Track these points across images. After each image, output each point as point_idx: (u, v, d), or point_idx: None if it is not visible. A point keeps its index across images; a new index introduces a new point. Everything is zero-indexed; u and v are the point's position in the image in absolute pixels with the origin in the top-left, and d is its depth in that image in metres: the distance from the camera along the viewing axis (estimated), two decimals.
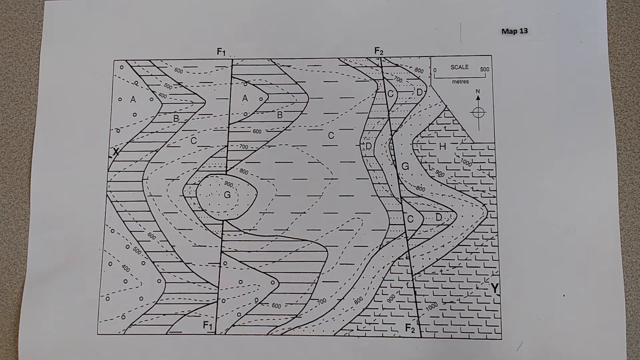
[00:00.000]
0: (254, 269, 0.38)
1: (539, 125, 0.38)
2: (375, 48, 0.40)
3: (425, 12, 0.40)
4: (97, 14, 0.41)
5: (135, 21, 0.41)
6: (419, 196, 0.38)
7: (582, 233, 0.37)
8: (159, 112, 0.40)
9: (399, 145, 0.39)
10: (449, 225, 0.38)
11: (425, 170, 0.39)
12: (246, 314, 0.38)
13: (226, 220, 0.39)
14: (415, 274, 0.38)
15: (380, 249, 0.38)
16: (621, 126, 0.39)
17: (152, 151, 0.40)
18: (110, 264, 0.39)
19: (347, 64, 0.40)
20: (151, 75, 0.40)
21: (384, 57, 0.40)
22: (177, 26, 0.41)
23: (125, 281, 0.39)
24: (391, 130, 0.39)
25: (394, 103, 0.39)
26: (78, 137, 0.40)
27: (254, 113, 0.40)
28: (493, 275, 0.37)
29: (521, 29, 0.39)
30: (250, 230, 0.39)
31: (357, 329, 0.38)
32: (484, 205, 0.38)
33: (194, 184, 0.39)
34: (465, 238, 0.38)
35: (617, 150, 0.38)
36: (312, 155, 0.39)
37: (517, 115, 0.39)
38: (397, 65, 0.40)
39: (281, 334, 0.38)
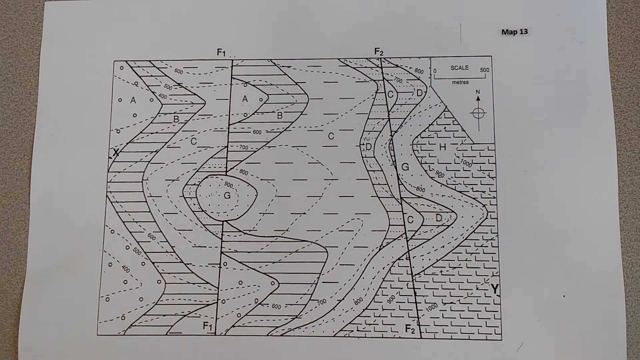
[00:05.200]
0: (254, 269, 0.38)
1: (539, 125, 0.38)
2: (375, 49, 0.40)
3: (425, 12, 0.40)
4: (97, 15, 0.41)
5: (135, 22, 0.41)
6: (419, 197, 0.38)
7: (582, 233, 0.37)
8: (159, 113, 0.40)
9: (399, 146, 0.39)
10: (449, 226, 0.38)
11: (425, 170, 0.39)
12: (246, 314, 0.38)
13: (226, 220, 0.39)
14: (415, 274, 0.38)
15: (380, 249, 0.38)
16: (621, 126, 0.39)
17: (152, 152, 0.40)
18: (110, 264, 0.39)
19: (347, 65, 0.40)
20: (151, 75, 0.40)
21: (384, 58, 0.40)
22: (177, 27, 0.41)
23: (125, 282, 0.39)
24: (391, 131, 0.39)
25: (394, 104, 0.39)
26: (78, 137, 0.40)
27: (254, 114, 0.40)
28: (493, 275, 0.37)
29: (521, 29, 0.39)
30: (250, 230, 0.39)
31: (357, 330, 0.38)
32: (484, 206, 0.38)
33: (194, 184, 0.39)
34: (465, 239, 0.38)
35: (617, 151, 0.38)
36: (312, 155, 0.39)
37: (517, 115, 0.39)
38: (397, 65, 0.40)
39: (281, 335, 0.38)
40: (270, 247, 0.39)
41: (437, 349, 0.37)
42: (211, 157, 0.40)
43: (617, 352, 0.36)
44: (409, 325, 0.38)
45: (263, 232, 0.39)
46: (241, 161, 0.39)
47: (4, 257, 0.40)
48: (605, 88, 0.39)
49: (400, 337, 0.37)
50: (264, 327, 0.38)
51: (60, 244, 0.39)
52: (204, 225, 0.39)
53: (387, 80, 0.39)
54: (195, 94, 0.40)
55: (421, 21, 0.40)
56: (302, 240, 0.39)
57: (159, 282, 0.39)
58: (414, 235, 0.38)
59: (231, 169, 0.39)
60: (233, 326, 0.38)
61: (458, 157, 0.39)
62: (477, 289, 0.37)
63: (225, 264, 0.39)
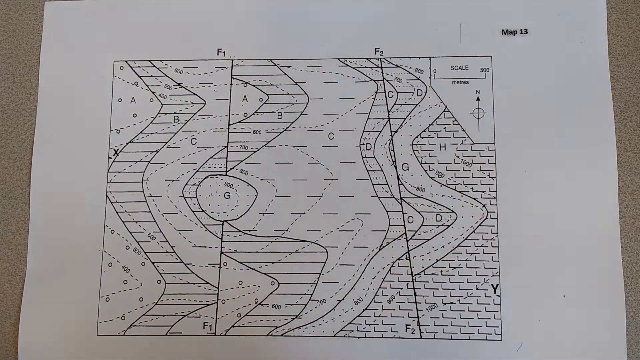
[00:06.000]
0: (254, 269, 0.38)
1: (539, 125, 0.38)
2: (375, 49, 0.40)
3: (425, 12, 0.40)
4: (97, 15, 0.41)
5: (135, 22, 0.41)
6: (419, 197, 0.38)
7: (582, 233, 0.37)
8: (159, 113, 0.40)
9: (399, 146, 0.39)
10: (449, 226, 0.38)
11: (425, 171, 0.39)
12: (246, 314, 0.38)
13: (226, 221, 0.39)
14: (415, 274, 0.38)
15: (380, 249, 0.38)
16: (621, 126, 0.39)
17: (152, 152, 0.40)
18: (110, 264, 0.39)
19: (347, 65, 0.40)
20: (151, 76, 0.40)
21: (384, 58, 0.40)
22: (177, 27, 0.41)
23: (125, 282, 0.39)
24: (391, 131, 0.39)
25: (394, 104, 0.39)
26: (78, 137, 0.40)
27: (254, 114, 0.40)
28: (493, 276, 0.37)
29: (521, 29, 0.39)
30: (250, 231, 0.39)
31: (357, 330, 0.38)
32: (484, 206, 0.38)
33: (194, 184, 0.39)
34: (465, 239, 0.38)
35: (617, 151, 0.38)
36: (312, 156, 0.39)
37: (517, 115, 0.39)
38: (397, 66, 0.40)
39: (281, 335, 0.38)
40: (270, 247, 0.39)
41: (437, 349, 0.37)
42: (211, 157, 0.40)
43: (617, 352, 0.36)
44: (409, 325, 0.38)
45: (263, 232, 0.39)
46: (241, 161, 0.39)
47: (4, 257, 0.40)
48: (605, 88, 0.39)
49: (400, 337, 0.37)
50: (264, 327, 0.38)
51: (60, 244, 0.39)
52: (204, 225, 0.39)
53: (387, 81, 0.39)
54: (195, 94, 0.40)
55: (421, 21, 0.40)
56: (302, 241, 0.39)
57: (159, 282, 0.39)
58: (414, 235, 0.38)
59: (231, 169, 0.39)
60: (233, 326, 0.38)
61: (458, 157, 0.39)
62: (477, 289, 0.37)
63: (225, 264, 0.39)
